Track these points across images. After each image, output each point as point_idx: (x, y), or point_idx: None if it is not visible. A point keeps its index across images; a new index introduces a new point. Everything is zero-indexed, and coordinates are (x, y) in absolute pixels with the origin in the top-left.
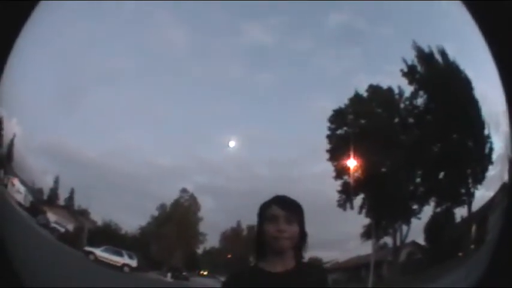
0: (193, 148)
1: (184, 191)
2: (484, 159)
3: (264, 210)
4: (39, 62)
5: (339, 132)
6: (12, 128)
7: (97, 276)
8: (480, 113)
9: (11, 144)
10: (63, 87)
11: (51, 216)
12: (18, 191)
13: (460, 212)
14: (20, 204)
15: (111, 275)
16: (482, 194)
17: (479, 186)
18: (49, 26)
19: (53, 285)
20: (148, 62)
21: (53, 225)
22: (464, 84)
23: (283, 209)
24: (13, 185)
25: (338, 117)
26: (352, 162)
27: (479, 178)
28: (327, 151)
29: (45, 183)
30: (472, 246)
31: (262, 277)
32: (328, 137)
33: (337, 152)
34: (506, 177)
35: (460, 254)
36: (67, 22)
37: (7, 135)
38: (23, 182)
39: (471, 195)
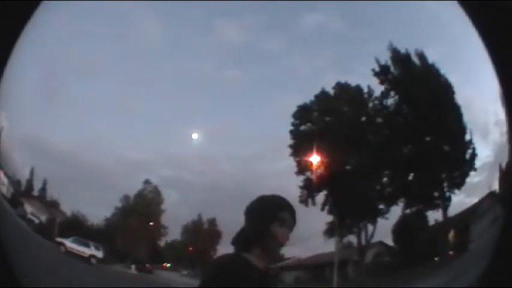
0: (159, 142)
1: (147, 182)
2: (464, 165)
3: (278, 212)
4: (27, 59)
5: (302, 128)
6: (2, 121)
7: (68, 268)
8: (461, 119)
9: None
10: (42, 83)
11: (28, 207)
12: (3, 184)
13: (435, 216)
14: (4, 196)
15: (81, 267)
16: (462, 200)
17: (457, 191)
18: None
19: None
20: (120, 58)
21: (29, 216)
22: (444, 88)
23: (294, 220)
24: None
25: (302, 113)
26: (314, 158)
27: (456, 183)
28: (290, 146)
29: (24, 174)
30: (451, 253)
31: (250, 270)
32: (291, 132)
33: (299, 147)
34: (495, 186)
35: (436, 259)
36: (47, 21)
37: None
38: (6, 174)
39: (446, 199)
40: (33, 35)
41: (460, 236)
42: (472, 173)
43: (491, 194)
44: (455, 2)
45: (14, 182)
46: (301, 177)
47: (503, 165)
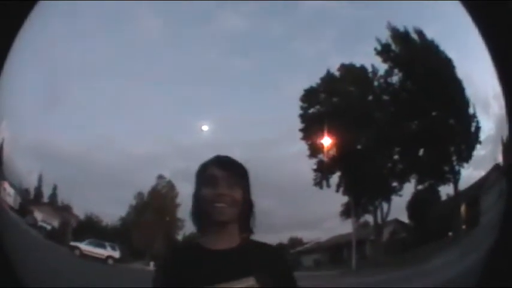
0: (169, 134)
1: (160, 177)
2: (470, 138)
3: (202, 172)
4: (25, 65)
5: (311, 111)
6: (2, 131)
7: (85, 272)
8: (463, 92)
9: (1, 148)
10: (43, 88)
11: (38, 215)
12: (9, 194)
13: (446, 190)
14: (11, 207)
15: (98, 268)
16: (471, 173)
17: (465, 165)
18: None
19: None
20: (123, 52)
21: (40, 223)
22: (445, 63)
23: (224, 170)
24: (4, 189)
25: (310, 97)
26: (326, 141)
27: (464, 156)
28: (300, 130)
29: (31, 182)
30: (464, 227)
31: (199, 255)
32: (301, 116)
33: (310, 130)
34: (499, 159)
35: (450, 234)
36: (42, 23)
37: None
38: (12, 185)
39: (456, 173)
40: (27, 41)
41: (471, 209)
42: (478, 146)
43: (497, 167)
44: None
45: (22, 191)
46: (314, 160)
47: (504, 138)
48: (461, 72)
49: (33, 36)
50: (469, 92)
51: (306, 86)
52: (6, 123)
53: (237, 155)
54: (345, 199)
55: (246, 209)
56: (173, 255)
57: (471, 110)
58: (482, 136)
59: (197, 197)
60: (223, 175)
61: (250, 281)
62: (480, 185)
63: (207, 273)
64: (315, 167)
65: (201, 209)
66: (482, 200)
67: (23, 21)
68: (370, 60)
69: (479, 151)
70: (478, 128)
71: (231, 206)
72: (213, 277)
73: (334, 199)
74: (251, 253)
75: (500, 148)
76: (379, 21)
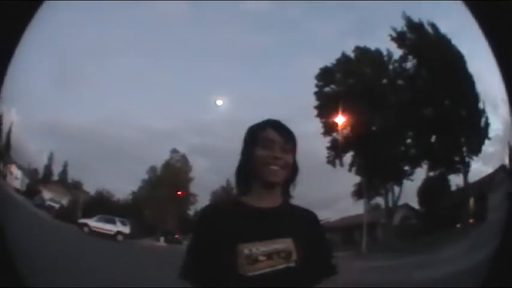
0: (184, 110)
1: (174, 151)
2: (479, 132)
3: (256, 133)
4: (36, 48)
5: (326, 89)
6: (12, 118)
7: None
8: (473, 87)
9: (9, 133)
10: (54, 68)
11: (46, 194)
12: (16, 177)
13: (456, 181)
14: (17, 190)
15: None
16: (480, 168)
17: (475, 158)
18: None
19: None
20: (139, 29)
21: (48, 203)
22: (456, 56)
23: (280, 134)
24: (11, 172)
25: (325, 76)
26: (340, 119)
27: (474, 149)
28: (315, 107)
29: (41, 162)
30: (471, 221)
31: (244, 210)
32: (316, 93)
33: (325, 108)
34: (506, 160)
35: (458, 226)
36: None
37: (6, 128)
38: (20, 167)
39: (466, 165)
40: (36, 31)
41: (478, 204)
42: (487, 142)
43: (503, 167)
44: (460, 1)
45: (30, 172)
46: (328, 139)
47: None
48: (472, 68)
49: (42, 29)
50: (480, 88)
51: (321, 65)
52: (16, 109)
53: None
54: (356, 179)
55: (293, 173)
56: (215, 209)
57: (481, 106)
58: (491, 133)
59: (250, 157)
60: (280, 139)
61: (288, 242)
62: (488, 182)
63: (250, 228)
64: (328, 144)
65: (252, 169)
66: (490, 196)
67: (30, 18)
68: (385, 45)
69: (487, 147)
70: (487, 124)
71: (283, 168)
72: (254, 232)
73: (345, 179)
74: (291, 215)
75: (507, 150)
76: (394, 11)
